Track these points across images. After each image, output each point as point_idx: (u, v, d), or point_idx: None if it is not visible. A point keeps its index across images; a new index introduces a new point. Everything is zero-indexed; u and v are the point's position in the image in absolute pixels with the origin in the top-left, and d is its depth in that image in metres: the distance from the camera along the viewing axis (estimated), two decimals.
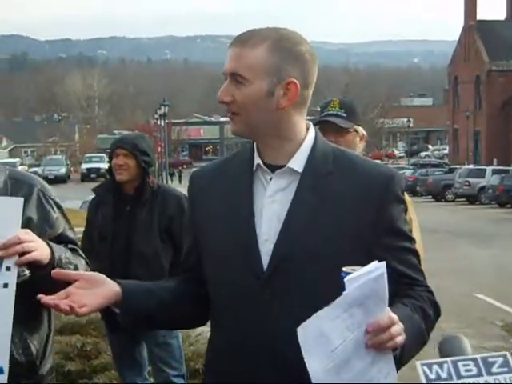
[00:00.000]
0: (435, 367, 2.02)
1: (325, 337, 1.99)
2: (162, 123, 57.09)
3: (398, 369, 2.10)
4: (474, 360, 2.03)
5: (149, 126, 73.95)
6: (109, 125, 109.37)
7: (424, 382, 1.99)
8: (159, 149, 57.88)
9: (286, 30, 2.32)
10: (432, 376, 2.00)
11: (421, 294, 2.30)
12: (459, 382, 1.99)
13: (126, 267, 5.11)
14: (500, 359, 2.03)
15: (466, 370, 2.01)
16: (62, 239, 2.84)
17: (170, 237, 5.18)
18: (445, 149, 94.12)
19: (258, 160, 2.34)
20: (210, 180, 2.44)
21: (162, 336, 5.32)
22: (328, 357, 2.00)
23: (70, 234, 2.96)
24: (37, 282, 2.57)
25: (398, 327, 2.03)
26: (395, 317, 2.02)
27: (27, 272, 2.61)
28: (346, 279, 1.97)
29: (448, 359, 2.04)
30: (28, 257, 2.54)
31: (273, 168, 2.32)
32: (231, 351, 2.31)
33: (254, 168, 2.35)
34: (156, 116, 60.99)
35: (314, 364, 2.00)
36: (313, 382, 2.01)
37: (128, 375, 5.47)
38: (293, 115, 2.31)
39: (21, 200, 2.60)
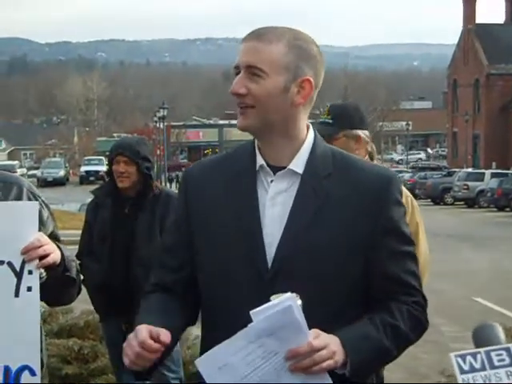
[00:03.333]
0: (469, 358, 2.05)
1: (229, 366, 2.09)
2: (161, 126, 57.07)
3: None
4: (507, 349, 2.05)
5: (148, 129, 73.91)
6: (108, 127, 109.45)
7: (458, 373, 2.03)
8: (158, 152, 57.86)
9: (299, 30, 2.36)
10: (466, 367, 2.03)
11: (402, 308, 2.30)
12: (492, 372, 2.02)
13: (126, 269, 5.12)
14: None
15: (499, 360, 2.03)
16: (51, 237, 2.85)
17: None
18: (444, 151, 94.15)
19: (260, 161, 2.35)
20: (208, 176, 2.42)
21: None
22: (240, 381, 2.09)
23: (57, 232, 3.00)
24: (48, 282, 2.64)
25: (325, 352, 2.11)
26: (319, 344, 2.09)
27: (44, 274, 2.65)
28: (251, 312, 2.06)
29: (481, 350, 2.06)
30: (49, 259, 2.61)
31: (274, 169, 2.33)
32: None
33: (257, 168, 2.35)
34: (155, 119, 60.96)
35: None
36: None
37: (125, 378, 5.45)
38: (301, 114, 2.34)
39: (36, 204, 2.66)
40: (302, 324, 2.07)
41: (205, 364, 2.13)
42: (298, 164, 2.33)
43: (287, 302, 2.05)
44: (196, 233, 2.40)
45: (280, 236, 2.27)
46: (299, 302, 2.10)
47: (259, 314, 2.06)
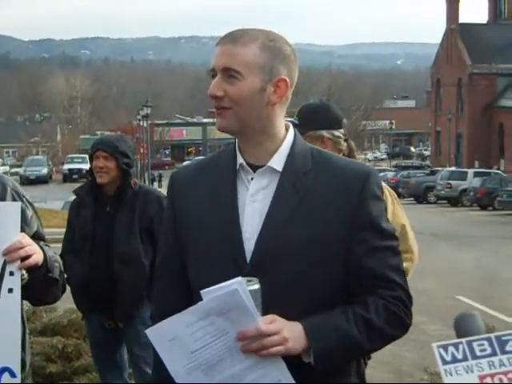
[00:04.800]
0: (451, 348, 2.06)
1: (179, 340, 2.17)
2: (145, 124, 56.98)
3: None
4: (489, 339, 2.07)
5: (131, 127, 73.77)
6: (91, 125, 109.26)
7: (440, 364, 2.04)
8: (142, 150, 57.74)
9: (271, 31, 2.40)
10: (448, 358, 2.05)
11: (378, 302, 2.31)
12: (474, 362, 2.03)
13: (108, 267, 5.13)
14: None
15: (481, 350, 2.05)
16: (36, 237, 2.86)
17: (149, 236, 5.17)
18: (426, 150, 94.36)
19: (240, 160, 2.40)
20: (193, 177, 2.48)
21: (143, 337, 5.28)
22: (187, 358, 2.17)
23: (42, 231, 2.99)
24: (30, 283, 2.62)
25: (276, 338, 2.15)
26: (268, 329, 2.14)
27: (26, 275, 2.63)
28: (201, 291, 2.17)
29: (463, 340, 2.08)
30: (30, 260, 2.59)
31: (254, 168, 2.38)
32: None
33: (237, 167, 2.40)
34: (138, 117, 60.83)
35: (172, 364, 2.21)
36: (176, 380, 2.20)
37: (108, 377, 5.45)
38: (277, 113, 2.38)
39: (18, 204, 2.64)
40: (249, 308, 2.12)
41: (155, 335, 2.21)
42: (278, 161, 2.37)
43: (234, 285, 2.12)
44: (181, 235, 2.44)
45: (259, 231, 2.31)
46: (255, 286, 2.16)
47: (209, 294, 2.14)
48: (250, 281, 2.16)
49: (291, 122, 3.98)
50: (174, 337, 2.17)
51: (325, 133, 4.11)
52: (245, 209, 2.35)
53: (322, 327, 2.23)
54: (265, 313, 2.18)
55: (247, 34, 2.34)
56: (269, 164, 2.37)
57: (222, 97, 2.32)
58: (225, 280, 2.19)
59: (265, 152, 2.38)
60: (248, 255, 2.31)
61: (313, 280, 2.30)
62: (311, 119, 4.12)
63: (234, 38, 2.33)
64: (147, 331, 2.21)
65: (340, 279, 2.32)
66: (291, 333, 2.18)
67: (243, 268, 2.30)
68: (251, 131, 2.36)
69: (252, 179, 2.38)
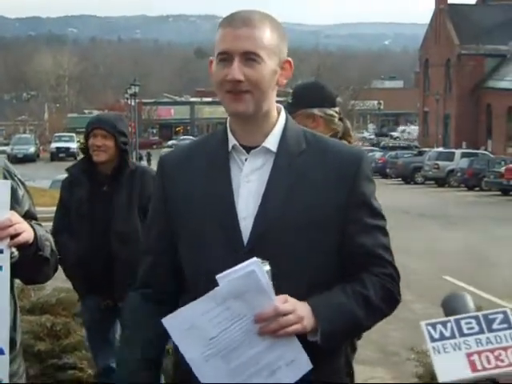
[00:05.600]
0: (439, 326, 2.10)
1: (196, 328, 2.17)
2: (133, 103, 56.79)
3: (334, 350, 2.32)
4: (476, 318, 2.11)
5: (119, 106, 73.54)
6: (79, 104, 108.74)
7: (428, 341, 2.08)
8: (129, 129, 57.53)
9: (264, 12, 2.42)
10: (436, 335, 2.08)
11: (373, 279, 2.36)
12: (462, 339, 2.07)
13: (107, 246, 5.11)
14: (500, 316, 2.11)
15: (469, 328, 2.09)
16: (28, 216, 2.85)
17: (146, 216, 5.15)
18: (410, 133, 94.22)
19: (233, 141, 2.41)
20: (183, 161, 2.48)
21: None
22: (205, 345, 2.18)
23: (33, 210, 2.98)
24: (20, 262, 2.62)
25: (292, 317, 2.18)
26: (284, 308, 2.18)
27: (16, 253, 2.62)
28: (217, 277, 2.17)
29: (451, 318, 2.11)
30: (20, 238, 2.59)
31: (247, 149, 2.40)
32: None
33: (230, 148, 2.41)
34: (126, 96, 60.63)
35: (190, 353, 2.21)
36: (192, 368, 2.20)
37: (101, 356, 5.44)
38: (273, 93, 2.41)
39: (8, 183, 2.64)
40: (266, 288, 2.15)
41: (172, 324, 2.20)
42: (272, 142, 2.39)
43: (251, 266, 2.13)
44: (174, 217, 2.45)
45: (256, 211, 2.33)
46: (267, 267, 2.17)
47: (224, 278, 2.15)
48: (261, 262, 2.17)
49: (286, 101, 4.03)
50: (191, 325, 2.17)
51: (316, 111, 4.11)
52: (239, 189, 2.36)
53: (327, 307, 2.26)
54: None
55: (255, 16, 2.35)
56: (263, 144, 2.38)
57: (242, 81, 2.31)
58: (221, 264, 2.21)
59: (259, 133, 2.40)
60: (245, 237, 2.32)
61: (311, 261, 2.32)
62: (303, 97, 4.14)
63: (246, 21, 2.32)
64: (163, 320, 2.20)
65: (334, 257, 2.36)
66: (306, 312, 2.22)
67: (240, 250, 2.30)
68: (259, 114, 2.38)
69: (246, 160, 2.39)
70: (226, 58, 2.31)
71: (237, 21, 2.33)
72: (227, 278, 2.14)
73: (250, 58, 2.30)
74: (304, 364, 2.21)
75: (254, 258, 2.16)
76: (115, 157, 5.17)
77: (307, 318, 2.21)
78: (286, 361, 2.20)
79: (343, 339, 2.37)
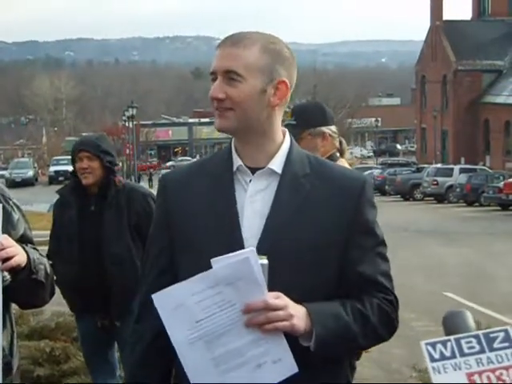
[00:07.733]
0: (439, 346, 2.06)
1: (185, 308, 2.15)
2: (131, 125, 56.89)
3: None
4: (477, 337, 2.07)
5: (117, 128, 73.67)
6: (77, 127, 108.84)
7: (428, 361, 2.04)
8: (127, 151, 57.62)
9: (271, 34, 2.45)
10: (436, 355, 2.05)
11: (373, 301, 2.36)
12: (462, 359, 2.04)
13: (99, 268, 5.08)
14: (501, 334, 2.08)
15: (469, 348, 2.06)
16: (23, 240, 2.85)
17: (138, 234, 5.15)
18: (412, 147, 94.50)
19: (238, 161, 2.42)
20: (186, 181, 2.48)
21: None
22: (191, 327, 2.16)
23: (29, 234, 2.98)
24: (14, 285, 2.61)
25: (282, 313, 2.17)
26: (275, 303, 2.16)
27: (8, 276, 2.62)
28: (212, 260, 2.17)
29: (451, 337, 2.08)
30: (12, 262, 2.58)
31: (252, 170, 2.41)
32: None
33: (234, 169, 2.42)
34: (124, 118, 60.73)
35: (175, 332, 2.18)
36: (177, 351, 2.18)
37: (100, 376, 5.42)
38: (276, 115, 2.42)
39: (0, 206, 2.61)
40: (258, 279, 2.14)
41: (161, 300, 2.18)
42: (277, 164, 2.40)
43: (246, 254, 2.14)
44: (177, 238, 2.43)
45: (261, 231, 2.33)
46: (264, 261, 2.17)
47: (219, 262, 2.15)
48: (259, 257, 2.17)
49: (288, 124, 4.12)
50: (179, 304, 2.16)
51: (325, 129, 4.31)
52: (244, 209, 2.36)
53: (324, 314, 2.26)
54: None
55: (248, 37, 2.38)
56: (269, 166, 2.39)
57: (223, 99, 2.34)
58: None
59: (262, 155, 2.41)
60: None
61: (311, 282, 2.32)
62: (309, 117, 4.30)
63: (234, 41, 2.36)
64: (153, 296, 2.18)
65: (335, 280, 2.36)
66: (296, 312, 2.20)
67: None
68: (252, 133, 2.39)
69: (250, 181, 2.39)
70: (213, 77, 2.37)
71: (226, 41, 2.38)
72: (221, 263, 2.15)
73: (231, 77, 2.33)
74: (289, 366, 2.19)
75: (251, 248, 2.17)
76: (102, 177, 5.17)
77: (298, 318, 2.20)
78: (272, 358, 2.18)
79: (336, 349, 2.32)
